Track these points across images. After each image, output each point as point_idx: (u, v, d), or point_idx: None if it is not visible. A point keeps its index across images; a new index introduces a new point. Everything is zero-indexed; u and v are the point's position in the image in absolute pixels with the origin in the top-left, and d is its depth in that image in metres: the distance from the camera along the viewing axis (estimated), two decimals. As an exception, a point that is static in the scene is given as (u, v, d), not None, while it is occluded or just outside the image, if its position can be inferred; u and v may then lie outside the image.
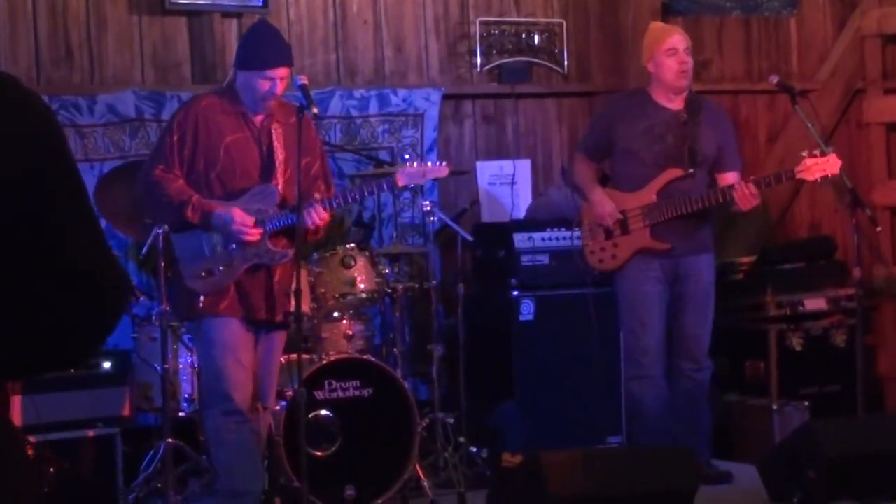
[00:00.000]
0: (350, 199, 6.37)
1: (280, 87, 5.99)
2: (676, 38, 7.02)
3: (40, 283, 2.06)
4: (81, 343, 2.15)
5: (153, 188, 5.96)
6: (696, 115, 6.94)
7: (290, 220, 5.94)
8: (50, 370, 2.21)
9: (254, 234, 5.96)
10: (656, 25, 7.31)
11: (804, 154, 6.74)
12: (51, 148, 2.11)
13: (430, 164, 6.52)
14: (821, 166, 6.70)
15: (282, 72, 5.98)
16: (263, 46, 5.99)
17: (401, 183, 6.28)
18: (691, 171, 6.88)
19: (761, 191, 6.78)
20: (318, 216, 5.97)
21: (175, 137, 5.97)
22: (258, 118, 6.07)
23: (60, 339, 2.11)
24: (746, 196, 6.70)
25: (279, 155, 6.05)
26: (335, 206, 6.13)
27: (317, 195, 6.09)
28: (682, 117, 6.94)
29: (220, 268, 5.98)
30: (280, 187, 6.04)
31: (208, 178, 6.01)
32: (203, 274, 6.00)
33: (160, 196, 5.95)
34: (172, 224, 6.05)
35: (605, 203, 7.00)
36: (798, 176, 6.77)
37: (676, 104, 6.99)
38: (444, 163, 6.51)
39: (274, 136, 6.07)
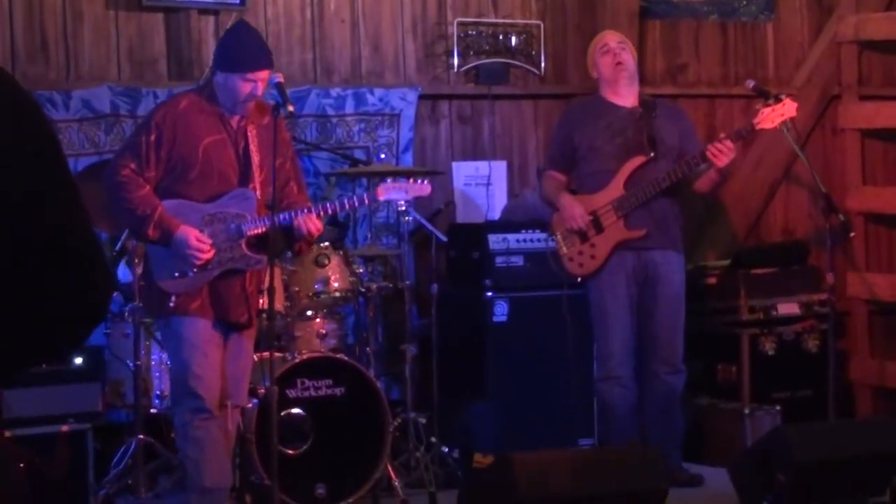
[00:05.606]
0: (330, 211, 6.24)
1: (260, 90, 5.94)
2: (607, 36, 7.30)
3: (35, 268, 2.06)
4: (74, 330, 2.15)
5: (118, 189, 5.86)
6: (652, 111, 7.05)
7: (266, 225, 5.91)
8: (44, 360, 2.20)
9: (206, 257, 5.91)
10: (594, 39, 7.45)
11: (758, 106, 6.74)
12: (40, 140, 2.12)
13: (412, 181, 6.47)
14: (778, 112, 6.70)
15: (263, 74, 5.91)
16: (245, 48, 5.93)
17: (381, 198, 6.28)
18: (652, 154, 6.93)
19: (737, 145, 6.78)
20: (314, 225, 5.97)
21: (152, 137, 5.88)
22: (234, 119, 6.01)
23: (55, 325, 2.11)
24: (722, 151, 6.70)
25: (255, 158, 6.00)
26: (321, 214, 6.09)
27: (309, 203, 6.06)
28: (638, 112, 7.02)
29: (194, 270, 5.94)
30: (257, 192, 5.99)
31: (186, 179, 5.94)
32: (176, 274, 5.94)
33: (122, 200, 5.85)
34: (130, 232, 5.98)
35: (573, 206, 7.06)
36: (758, 127, 6.77)
37: (630, 101, 7.10)
38: (426, 181, 6.48)
39: (249, 139, 6.02)
